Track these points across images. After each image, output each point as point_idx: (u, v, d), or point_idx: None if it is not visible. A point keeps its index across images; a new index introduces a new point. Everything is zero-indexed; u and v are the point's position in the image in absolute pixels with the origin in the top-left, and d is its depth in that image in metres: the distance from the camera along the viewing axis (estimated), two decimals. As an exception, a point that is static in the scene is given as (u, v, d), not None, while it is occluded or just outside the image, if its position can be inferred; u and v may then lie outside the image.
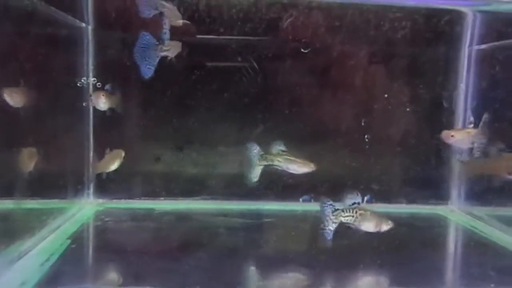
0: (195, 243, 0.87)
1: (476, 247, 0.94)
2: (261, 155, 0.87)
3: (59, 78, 0.98)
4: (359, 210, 0.79)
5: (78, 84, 1.05)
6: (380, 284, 0.74)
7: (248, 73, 1.11)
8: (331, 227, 0.78)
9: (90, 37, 1.05)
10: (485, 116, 0.87)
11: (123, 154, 1.01)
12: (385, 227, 0.80)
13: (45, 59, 0.91)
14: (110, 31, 1.06)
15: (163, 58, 0.83)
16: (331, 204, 0.79)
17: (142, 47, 0.79)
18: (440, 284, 0.75)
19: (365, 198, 1.14)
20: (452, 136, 0.89)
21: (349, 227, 0.79)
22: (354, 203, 0.79)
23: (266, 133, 1.12)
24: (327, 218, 0.77)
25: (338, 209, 0.79)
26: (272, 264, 0.78)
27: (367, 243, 0.82)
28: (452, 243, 1.00)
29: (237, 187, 1.14)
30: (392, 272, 0.79)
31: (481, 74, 1.10)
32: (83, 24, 1.03)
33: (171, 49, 0.83)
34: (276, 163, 0.87)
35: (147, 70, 0.80)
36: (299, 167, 0.87)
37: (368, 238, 0.80)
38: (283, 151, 0.86)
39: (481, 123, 0.87)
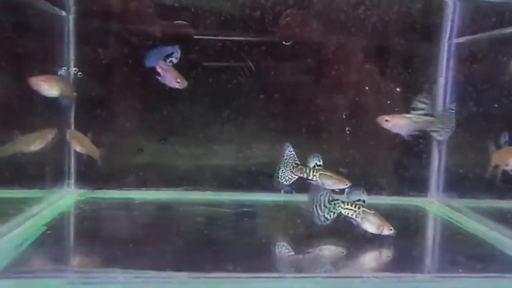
0: (171, 230, 0.87)
1: (451, 237, 0.95)
2: (297, 165, 0.87)
3: (39, 67, 0.98)
4: (363, 207, 0.80)
5: (59, 74, 1.05)
6: (358, 268, 0.74)
7: (231, 66, 1.12)
8: (327, 215, 0.80)
9: (71, 26, 1.05)
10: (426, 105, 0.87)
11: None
12: (387, 231, 0.80)
13: (24, 47, 0.92)
14: (91, 20, 1.06)
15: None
16: (327, 193, 0.80)
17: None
18: (413, 269, 0.76)
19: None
20: (386, 120, 0.88)
21: (351, 222, 0.80)
22: (359, 199, 0.81)
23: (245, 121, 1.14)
24: (322, 204, 0.80)
25: (337, 199, 0.81)
26: (241, 249, 0.79)
27: (347, 230, 0.83)
28: (429, 233, 1.02)
29: (219, 178, 1.15)
30: (371, 258, 0.80)
31: (460, 67, 1.11)
32: (64, 13, 1.03)
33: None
34: (311, 177, 0.86)
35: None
36: (334, 184, 0.86)
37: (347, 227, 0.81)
38: (319, 165, 0.86)
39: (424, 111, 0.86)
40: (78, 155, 1.09)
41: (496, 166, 0.93)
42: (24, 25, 0.91)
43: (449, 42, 1.12)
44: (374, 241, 0.81)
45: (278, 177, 0.88)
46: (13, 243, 0.73)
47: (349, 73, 1.16)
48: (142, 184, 1.14)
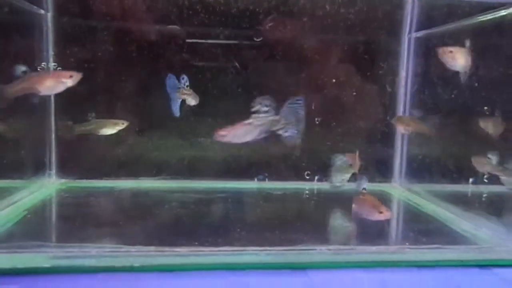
0: (145, 213, 0.93)
1: (408, 217, 1.03)
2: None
3: (19, 63, 1.03)
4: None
5: (39, 69, 1.10)
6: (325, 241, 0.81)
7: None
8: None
9: (50, 23, 1.10)
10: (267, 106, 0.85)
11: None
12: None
13: (3, 44, 0.97)
14: (69, 18, 1.11)
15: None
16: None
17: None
18: (367, 243, 0.83)
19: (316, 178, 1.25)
20: (222, 135, 0.85)
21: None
22: (364, 188, 0.86)
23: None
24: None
25: None
26: (207, 228, 0.86)
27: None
28: (393, 212, 1.09)
29: (196, 167, 1.21)
30: (340, 233, 0.88)
31: (419, 60, 1.19)
32: (42, 11, 1.08)
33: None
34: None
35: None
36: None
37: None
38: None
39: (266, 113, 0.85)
40: (59, 146, 1.15)
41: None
42: (2, 23, 0.95)
43: (409, 36, 1.19)
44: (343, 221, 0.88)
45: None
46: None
47: (318, 67, 1.23)
48: (122, 174, 1.19)
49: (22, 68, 0.87)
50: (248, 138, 0.83)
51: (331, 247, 0.74)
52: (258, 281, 0.67)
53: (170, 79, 0.94)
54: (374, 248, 0.75)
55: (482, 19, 0.92)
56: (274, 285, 0.67)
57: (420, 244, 0.78)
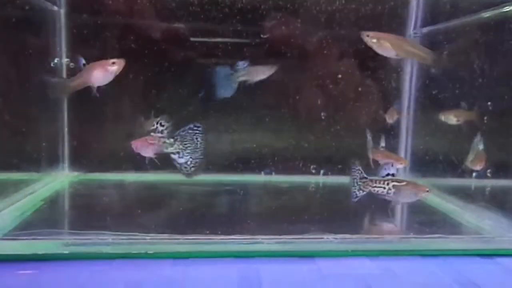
0: (155, 203, 0.96)
1: (413, 209, 1.05)
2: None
3: (32, 58, 1.06)
4: (392, 181, 0.80)
5: (52, 65, 1.13)
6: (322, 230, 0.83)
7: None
8: (358, 192, 0.81)
9: (63, 20, 1.13)
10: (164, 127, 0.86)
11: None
12: (424, 194, 0.81)
13: (17, 40, 0.99)
14: (81, 14, 1.14)
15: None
16: (358, 169, 0.82)
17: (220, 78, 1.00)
18: (373, 232, 0.85)
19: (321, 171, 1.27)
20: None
21: (384, 199, 0.82)
22: (388, 174, 0.81)
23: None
24: (355, 181, 0.81)
25: (366, 178, 0.81)
26: (215, 217, 0.89)
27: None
28: (394, 206, 1.11)
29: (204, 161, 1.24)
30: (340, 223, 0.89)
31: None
32: (56, 7, 1.11)
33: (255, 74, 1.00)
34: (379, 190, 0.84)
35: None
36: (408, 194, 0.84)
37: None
38: (382, 146, 0.90)
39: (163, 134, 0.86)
40: (72, 140, 1.18)
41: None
42: (18, 19, 0.98)
43: (414, 32, 1.21)
44: (348, 211, 0.90)
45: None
46: (15, 213, 0.82)
47: (325, 64, 1.25)
48: (132, 167, 1.22)
49: (83, 60, 0.89)
50: (146, 153, 0.87)
51: (338, 236, 0.76)
52: (268, 268, 0.70)
53: (220, 70, 1.01)
54: (379, 237, 0.77)
55: (485, 16, 0.94)
56: (283, 272, 0.70)
57: (424, 234, 0.81)
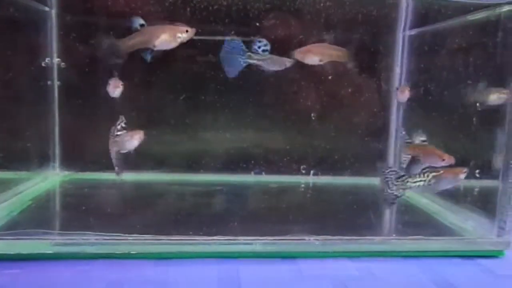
0: (143, 203, 0.97)
1: (398, 208, 1.06)
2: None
3: (23, 58, 1.07)
4: (430, 172, 0.82)
5: (43, 64, 1.14)
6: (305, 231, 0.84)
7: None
8: (397, 192, 0.82)
9: (54, 20, 1.14)
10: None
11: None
12: (462, 175, 0.83)
13: (7, 40, 1.00)
14: (72, 15, 1.14)
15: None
16: (393, 170, 0.82)
17: (227, 51, 0.92)
18: (352, 234, 0.86)
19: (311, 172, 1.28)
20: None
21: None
22: (424, 168, 0.82)
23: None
24: (390, 182, 0.82)
25: (404, 175, 0.82)
26: (202, 219, 0.90)
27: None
28: (381, 206, 1.12)
29: (195, 161, 1.24)
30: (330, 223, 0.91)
31: (412, 56, 1.21)
32: (47, 8, 1.12)
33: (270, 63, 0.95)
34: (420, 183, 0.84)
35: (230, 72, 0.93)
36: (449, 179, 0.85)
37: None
38: (424, 140, 0.88)
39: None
40: (63, 140, 1.19)
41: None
42: (7, 20, 0.99)
43: (403, 34, 1.22)
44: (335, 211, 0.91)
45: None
46: (2, 213, 0.83)
47: (315, 66, 1.26)
48: (124, 166, 1.23)
49: (140, 21, 0.85)
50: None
51: (319, 237, 0.77)
52: (248, 269, 0.71)
53: (232, 42, 0.92)
54: (360, 238, 0.78)
55: (471, 18, 0.95)
56: (263, 273, 0.71)
57: (406, 235, 0.81)
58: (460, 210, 0.95)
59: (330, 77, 1.26)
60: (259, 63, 0.94)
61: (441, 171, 0.82)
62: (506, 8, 0.82)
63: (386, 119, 1.29)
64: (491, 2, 0.86)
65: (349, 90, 1.26)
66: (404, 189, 0.82)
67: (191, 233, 0.77)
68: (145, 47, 0.86)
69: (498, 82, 0.87)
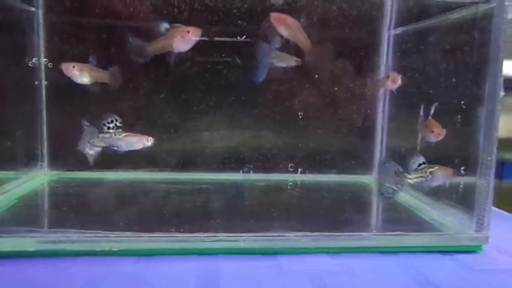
0: (129, 202, 0.98)
1: (382, 205, 1.07)
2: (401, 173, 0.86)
3: (10, 58, 1.08)
4: (428, 168, 0.84)
5: (30, 64, 1.14)
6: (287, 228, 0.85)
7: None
8: (396, 187, 0.84)
9: (41, 20, 1.15)
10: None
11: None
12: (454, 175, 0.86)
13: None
14: (59, 15, 1.15)
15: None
16: (394, 165, 0.84)
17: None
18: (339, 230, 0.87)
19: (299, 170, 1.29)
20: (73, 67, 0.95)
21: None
22: (420, 164, 0.84)
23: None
24: (390, 178, 0.84)
25: (403, 171, 0.84)
26: (185, 216, 0.91)
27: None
28: (366, 203, 1.14)
29: (183, 159, 1.25)
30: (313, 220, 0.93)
31: (397, 54, 1.22)
32: (33, 9, 1.13)
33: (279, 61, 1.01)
34: (419, 179, 0.86)
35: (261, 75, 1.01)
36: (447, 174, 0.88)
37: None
38: (422, 163, 0.86)
39: None
40: (51, 139, 1.20)
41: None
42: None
43: (388, 32, 1.23)
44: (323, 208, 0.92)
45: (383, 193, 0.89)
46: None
47: (305, 63, 1.27)
48: (112, 166, 1.24)
49: (166, 25, 0.91)
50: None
51: (299, 233, 0.78)
52: (228, 265, 0.72)
53: (261, 47, 1.00)
54: (340, 234, 0.79)
55: (452, 17, 0.96)
56: (242, 269, 0.72)
57: (387, 231, 0.82)
58: (442, 206, 0.96)
59: (317, 76, 1.27)
60: (272, 60, 1.02)
61: (436, 167, 0.85)
62: (482, 7, 0.83)
63: (372, 116, 1.30)
64: (468, 1, 0.88)
65: (336, 88, 1.28)
66: (402, 184, 0.84)
67: (172, 230, 0.78)
68: (168, 51, 0.92)
69: (475, 79, 0.88)
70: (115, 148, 0.92)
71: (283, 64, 1.02)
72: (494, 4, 0.78)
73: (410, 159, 0.85)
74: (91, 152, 0.89)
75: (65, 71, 0.95)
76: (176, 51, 0.91)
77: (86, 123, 0.89)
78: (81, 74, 0.96)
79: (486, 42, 0.81)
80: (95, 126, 0.93)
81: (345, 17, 1.22)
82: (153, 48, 0.93)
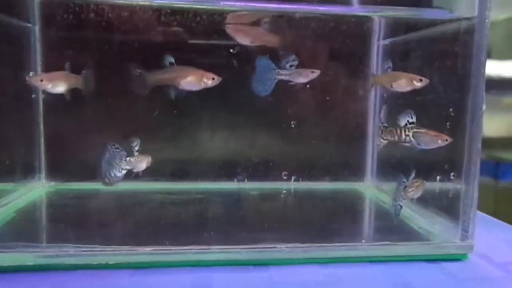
0: (126, 213, 1.01)
1: (372, 213, 1.10)
2: (385, 127, 0.88)
3: (7, 72, 1.10)
4: (412, 129, 0.84)
5: (27, 78, 1.17)
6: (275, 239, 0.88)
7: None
8: (379, 140, 0.88)
9: (37, 35, 1.17)
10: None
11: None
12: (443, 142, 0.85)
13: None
14: (55, 30, 1.18)
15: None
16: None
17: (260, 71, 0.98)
18: (330, 240, 0.89)
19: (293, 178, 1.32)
20: (41, 80, 0.93)
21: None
22: (409, 121, 0.84)
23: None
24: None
25: (387, 127, 0.86)
26: (182, 228, 0.94)
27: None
28: (357, 211, 1.17)
29: (178, 169, 1.28)
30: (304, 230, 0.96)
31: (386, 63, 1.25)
32: (29, 24, 1.15)
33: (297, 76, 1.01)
34: (403, 137, 0.84)
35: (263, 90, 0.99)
36: (431, 141, 0.85)
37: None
38: (412, 122, 0.85)
39: None
40: (48, 151, 1.22)
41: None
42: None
43: (378, 43, 1.26)
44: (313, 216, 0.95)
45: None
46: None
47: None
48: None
49: (171, 59, 0.92)
50: None
51: (290, 245, 0.81)
52: (220, 276, 0.75)
53: (261, 61, 0.97)
54: (329, 245, 0.82)
55: (436, 31, 0.99)
56: (235, 280, 0.74)
57: (376, 240, 0.85)
58: (430, 214, 0.98)
59: (308, 85, 1.30)
60: (287, 77, 1.00)
61: (423, 130, 0.85)
62: (464, 23, 0.85)
63: (363, 124, 1.33)
64: (448, 18, 0.91)
65: (328, 97, 1.30)
66: (384, 139, 0.86)
67: (167, 243, 0.81)
68: (171, 84, 0.93)
69: (459, 91, 0.90)
70: (135, 170, 0.94)
71: (303, 80, 1.03)
72: (475, 21, 0.81)
73: (398, 117, 0.86)
74: (119, 174, 0.90)
75: (37, 86, 0.96)
76: (182, 88, 0.92)
77: (116, 146, 0.89)
78: (54, 85, 0.95)
79: (469, 57, 0.84)
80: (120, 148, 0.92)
81: (339, 30, 1.25)
82: (157, 79, 0.94)
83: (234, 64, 1.21)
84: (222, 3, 0.93)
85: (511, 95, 2.97)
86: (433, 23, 0.97)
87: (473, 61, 0.82)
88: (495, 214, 1.21)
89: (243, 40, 1.01)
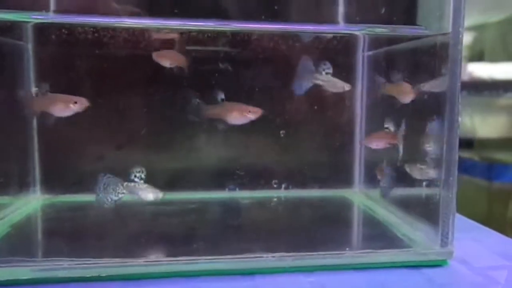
0: (119, 226, 1.04)
1: (359, 220, 1.14)
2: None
3: (3, 86, 1.13)
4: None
5: (21, 94, 1.20)
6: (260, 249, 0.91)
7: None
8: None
9: (30, 53, 1.20)
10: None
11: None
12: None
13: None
14: (48, 48, 1.21)
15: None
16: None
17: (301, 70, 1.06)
18: (315, 248, 0.92)
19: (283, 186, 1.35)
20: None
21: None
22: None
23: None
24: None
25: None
26: (173, 240, 0.96)
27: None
28: (343, 218, 1.20)
29: (172, 179, 1.31)
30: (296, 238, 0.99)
31: (371, 75, 1.29)
32: (22, 43, 1.18)
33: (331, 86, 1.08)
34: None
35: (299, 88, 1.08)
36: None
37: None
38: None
39: None
40: (43, 164, 1.25)
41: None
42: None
43: (362, 54, 1.29)
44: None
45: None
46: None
47: (286, 84, 1.33)
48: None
49: (222, 96, 1.06)
50: None
51: (276, 254, 0.84)
52: (208, 286, 0.78)
53: (304, 62, 1.06)
54: (314, 254, 0.85)
55: (415, 44, 1.03)
56: (222, 289, 0.78)
57: (360, 248, 0.89)
58: (412, 221, 1.02)
59: (298, 97, 1.34)
60: (323, 83, 1.07)
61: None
62: (439, 38, 0.89)
63: (351, 132, 1.37)
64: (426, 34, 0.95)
65: (315, 106, 1.34)
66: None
67: (157, 255, 0.84)
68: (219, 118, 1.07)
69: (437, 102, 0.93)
70: (135, 196, 0.99)
71: (334, 89, 1.08)
72: (450, 36, 0.85)
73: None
74: (115, 198, 0.95)
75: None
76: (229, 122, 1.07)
77: (108, 175, 0.96)
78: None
79: (446, 69, 0.88)
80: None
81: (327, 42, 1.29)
82: (213, 112, 1.08)
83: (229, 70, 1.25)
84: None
85: (503, 96, 3.02)
86: (411, 38, 1.01)
87: (448, 75, 0.86)
88: (489, 215, 1.25)
89: (167, 63, 1.12)
